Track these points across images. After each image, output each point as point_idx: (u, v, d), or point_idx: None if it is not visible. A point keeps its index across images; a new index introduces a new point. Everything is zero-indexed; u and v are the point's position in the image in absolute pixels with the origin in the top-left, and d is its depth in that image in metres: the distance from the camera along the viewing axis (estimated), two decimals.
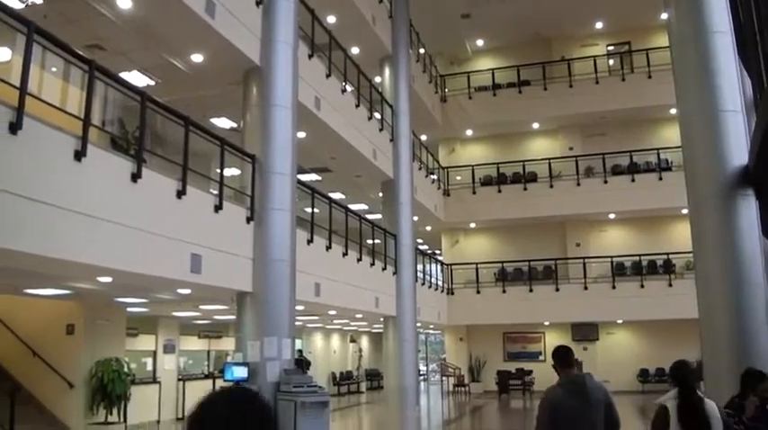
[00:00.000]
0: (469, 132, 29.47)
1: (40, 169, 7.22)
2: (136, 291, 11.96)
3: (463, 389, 26.45)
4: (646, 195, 24.42)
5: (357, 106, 17.66)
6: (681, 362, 4.80)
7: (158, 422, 16.58)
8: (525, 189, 26.45)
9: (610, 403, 4.86)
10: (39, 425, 12.58)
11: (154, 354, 17.98)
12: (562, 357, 5.00)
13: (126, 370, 13.12)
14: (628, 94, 25.51)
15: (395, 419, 18.25)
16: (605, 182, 25.51)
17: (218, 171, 11.20)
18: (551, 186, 26.05)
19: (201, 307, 15.82)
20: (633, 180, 25.16)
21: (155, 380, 17.16)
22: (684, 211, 19.62)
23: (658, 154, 25.01)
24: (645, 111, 25.98)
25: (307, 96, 13.97)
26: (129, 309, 15.00)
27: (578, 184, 25.75)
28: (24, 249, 7.03)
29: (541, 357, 26.94)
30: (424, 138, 25.85)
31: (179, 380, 18.13)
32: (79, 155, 7.70)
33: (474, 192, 27.33)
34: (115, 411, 12.90)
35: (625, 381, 23.91)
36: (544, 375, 24.58)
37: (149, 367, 17.98)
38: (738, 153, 9.69)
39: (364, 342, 33.88)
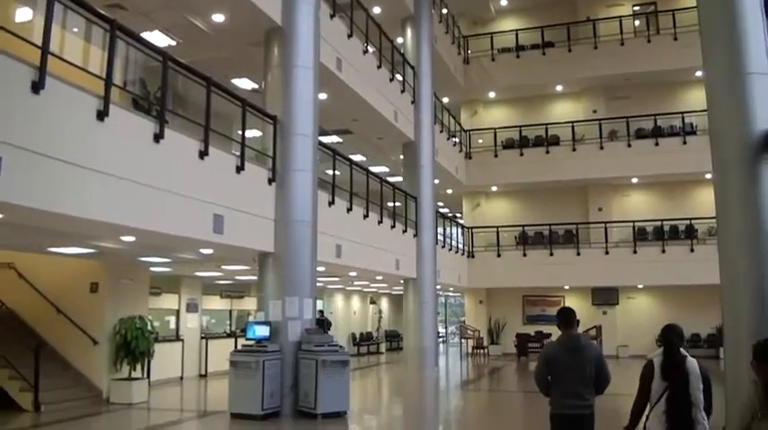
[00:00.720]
0: (492, 95, 29.16)
1: (62, 129, 7.28)
2: (159, 250, 12.09)
3: (482, 351, 26.63)
4: (669, 159, 24.11)
5: (379, 67, 17.52)
6: (668, 326, 5.31)
7: (181, 378, 16.91)
8: (548, 152, 26.22)
9: (601, 361, 5.59)
10: (64, 379, 12.86)
11: (177, 313, 18.27)
12: (565, 317, 5.70)
13: (149, 328, 13.34)
14: (653, 57, 25.01)
15: (414, 379, 18.46)
16: (629, 145, 25.21)
17: (240, 132, 11.22)
18: (574, 150, 25.80)
19: (224, 267, 15.99)
20: (657, 144, 24.83)
21: (178, 338, 17.46)
22: (708, 176, 19.38)
23: (683, 117, 24.62)
24: (670, 74, 25.48)
25: (328, 57, 13.89)
26: (152, 269, 15.19)
27: (601, 148, 25.46)
28: (47, 208, 7.14)
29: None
30: (445, 100, 25.64)
31: (202, 338, 18.44)
32: (101, 115, 7.74)
33: (496, 156, 27.15)
34: (139, 367, 13.16)
35: (644, 346, 23.84)
36: None
37: (172, 325, 18.29)
38: (765, 116, 9.49)
39: (384, 303, 34.14)
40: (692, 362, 5.26)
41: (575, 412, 5.59)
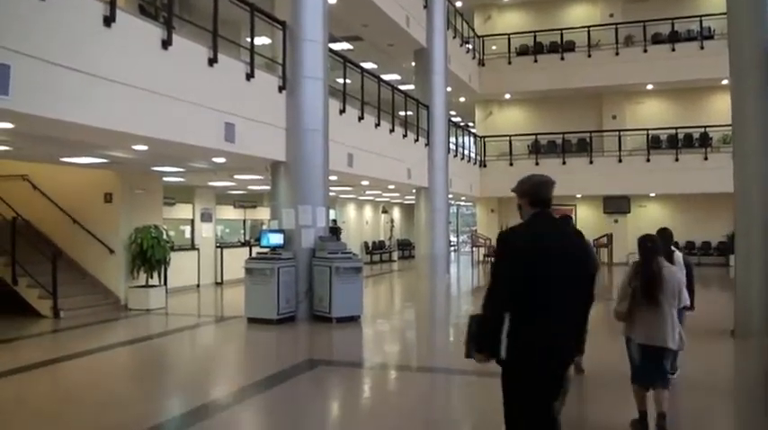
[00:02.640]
0: None
1: (69, 36, 7.15)
2: (172, 160, 12.10)
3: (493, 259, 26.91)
4: (686, 65, 23.62)
5: None
6: (642, 237, 5.57)
7: (198, 286, 17.28)
8: (562, 59, 25.69)
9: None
10: (81, 287, 13.16)
11: (191, 223, 18.49)
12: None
13: (165, 237, 13.51)
14: None
15: (425, 286, 18.78)
16: (645, 51, 24.64)
17: (249, 39, 11.01)
18: (589, 56, 25.25)
19: (236, 176, 16.04)
20: (673, 49, 24.25)
21: (193, 247, 17.72)
22: (725, 82, 18.98)
23: (701, 21, 23.95)
24: None
25: None
26: (165, 179, 15.26)
27: (617, 54, 24.91)
28: (57, 116, 7.10)
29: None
30: (458, 4, 24.97)
31: (217, 247, 18.71)
32: (108, 20, 7.60)
33: (509, 63, 26.64)
34: (155, 275, 13.42)
35: None
36: None
37: (187, 235, 18.55)
38: None
39: (396, 213, 34.36)
40: (679, 255, 6.73)
41: None
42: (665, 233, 6.44)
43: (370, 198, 28.94)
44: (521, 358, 3.33)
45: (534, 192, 3.79)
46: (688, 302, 6.37)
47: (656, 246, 5.48)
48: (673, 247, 6.71)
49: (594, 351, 6.81)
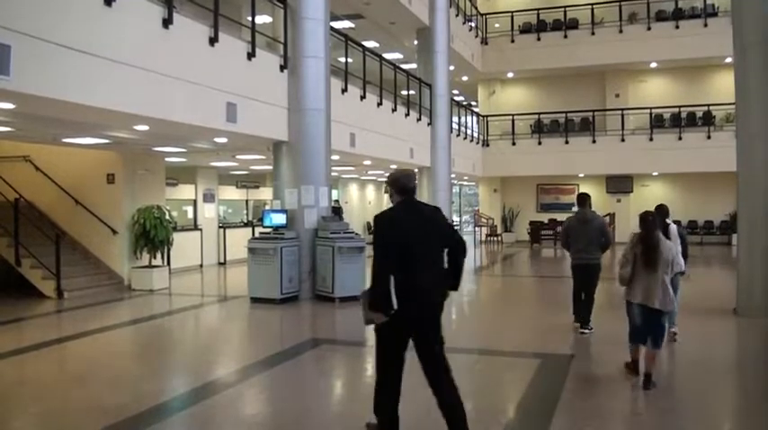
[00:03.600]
0: None
1: (69, 15, 7.11)
2: (173, 140, 12.07)
3: (495, 238, 26.98)
4: (689, 43, 23.46)
5: None
6: (649, 211, 6.43)
7: (201, 266, 17.33)
8: (566, 37, 25.53)
9: (604, 229, 8.74)
10: (85, 268, 13.20)
11: (194, 203, 18.50)
12: (579, 198, 9.11)
13: (167, 217, 13.51)
14: None
15: None
16: (648, 29, 24.49)
17: (250, 18, 10.94)
18: (593, 33, 25.09)
19: (239, 156, 16.03)
20: (677, 27, 24.09)
21: (196, 228, 17.75)
22: (728, 60, 18.83)
23: None
24: None
25: None
26: (167, 159, 15.24)
27: (620, 31, 24.76)
28: (57, 97, 7.08)
29: (574, 208, 27.04)
30: None
31: (219, 227, 18.74)
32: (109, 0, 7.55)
33: (512, 41, 26.49)
34: (159, 256, 13.45)
35: None
36: None
37: (190, 215, 18.57)
38: None
39: None
40: (673, 227, 7.84)
41: (584, 262, 8.52)
42: (661, 208, 7.67)
43: (373, 178, 28.92)
44: (403, 304, 4.32)
45: (400, 184, 4.70)
46: (682, 268, 7.15)
47: (655, 220, 6.31)
48: (668, 220, 7.79)
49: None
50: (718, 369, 7.09)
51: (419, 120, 18.79)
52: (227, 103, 10.06)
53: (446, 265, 4.66)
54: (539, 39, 26.01)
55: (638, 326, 6.28)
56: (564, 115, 25.51)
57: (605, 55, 24.84)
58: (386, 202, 32.28)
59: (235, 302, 12.01)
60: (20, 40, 6.36)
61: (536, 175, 26.51)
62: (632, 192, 26.10)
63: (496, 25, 27.25)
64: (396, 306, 4.32)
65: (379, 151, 16.13)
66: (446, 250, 4.64)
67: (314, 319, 10.60)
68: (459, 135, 22.95)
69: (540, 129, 25.89)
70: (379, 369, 4.61)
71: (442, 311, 4.62)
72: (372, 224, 4.65)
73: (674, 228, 7.83)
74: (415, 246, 4.44)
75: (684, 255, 7.64)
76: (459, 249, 4.69)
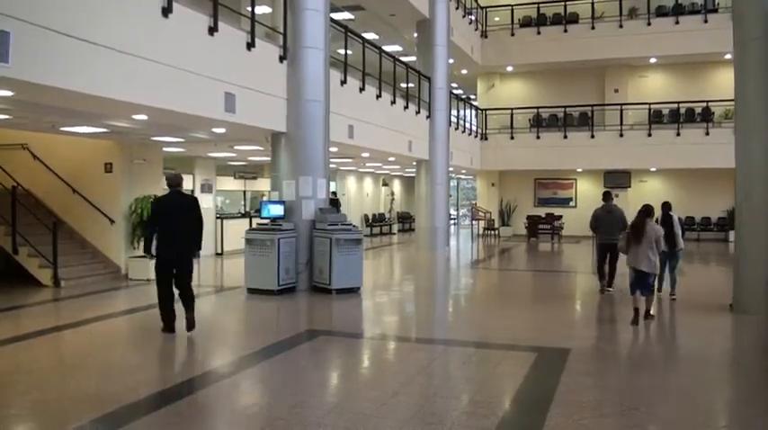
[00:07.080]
0: None
1: (70, 3, 7.08)
2: (172, 129, 12.04)
3: (493, 232, 27.00)
4: (689, 39, 23.49)
5: None
6: (647, 204, 9.29)
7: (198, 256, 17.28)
8: (566, 31, 25.52)
9: (623, 218, 11.54)
10: (82, 257, 13.19)
11: (192, 193, 18.42)
12: (604, 194, 12.20)
13: None
14: None
15: (425, 258, 18.82)
16: (648, 24, 24.47)
17: (249, 8, 10.89)
18: (593, 28, 25.07)
19: (237, 147, 15.99)
20: (677, 22, 24.09)
21: None
22: (728, 56, 18.83)
23: None
24: None
25: None
26: (165, 149, 15.21)
27: (621, 26, 24.73)
28: (56, 85, 7.05)
29: (572, 203, 27.18)
30: None
31: (217, 218, 18.71)
32: None
33: (512, 34, 26.45)
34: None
35: None
36: (574, 221, 24.91)
37: None
38: None
39: (396, 185, 34.33)
40: (675, 217, 10.90)
41: (607, 241, 11.51)
42: (666, 204, 11.09)
43: (371, 170, 28.89)
44: (159, 252, 8.04)
45: (172, 181, 8.35)
46: (681, 246, 10.87)
47: (648, 211, 9.07)
48: (671, 212, 10.92)
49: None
50: (712, 364, 7.12)
51: (418, 112, 18.77)
52: (226, 92, 10.03)
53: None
54: (539, 33, 25.98)
55: (632, 281, 8.99)
56: (563, 110, 25.50)
57: (605, 50, 24.85)
58: (383, 195, 32.36)
59: (231, 293, 12.01)
60: (19, 27, 6.33)
61: (534, 170, 26.53)
62: (630, 187, 26.11)
63: (496, 18, 27.21)
64: (154, 252, 8.04)
65: (378, 143, 16.12)
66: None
67: (311, 311, 10.60)
68: (457, 128, 22.94)
69: (538, 123, 25.88)
70: (158, 289, 8.16)
71: (193, 257, 8.22)
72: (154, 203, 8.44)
73: (675, 218, 10.96)
74: (173, 215, 8.01)
75: (681, 235, 10.96)
76: (199, 223, 8.18)
